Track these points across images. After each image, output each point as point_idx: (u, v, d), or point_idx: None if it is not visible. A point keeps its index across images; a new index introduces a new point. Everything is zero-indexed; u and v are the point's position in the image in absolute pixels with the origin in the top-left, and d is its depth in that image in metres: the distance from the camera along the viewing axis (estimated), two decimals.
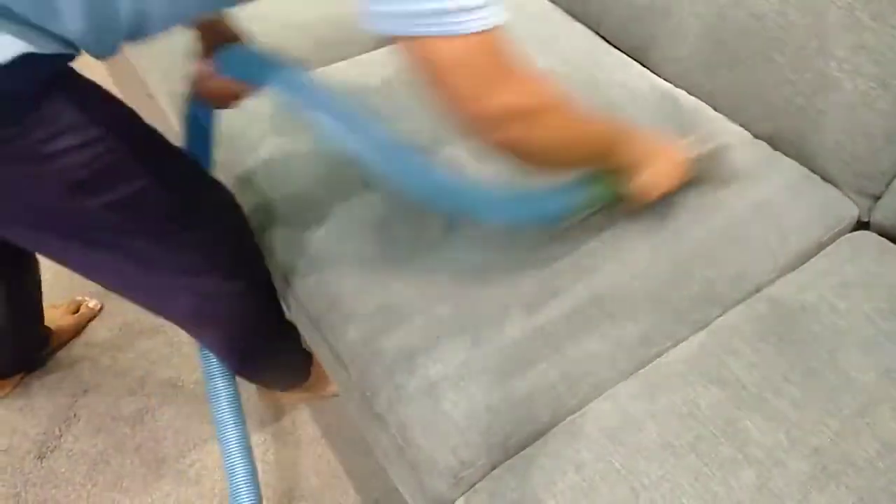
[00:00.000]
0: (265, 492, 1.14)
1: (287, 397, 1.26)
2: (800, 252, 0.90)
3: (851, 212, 0.95)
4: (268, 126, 1.05)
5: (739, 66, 1.00)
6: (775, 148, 1.01)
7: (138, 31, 0.61)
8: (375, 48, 1.22)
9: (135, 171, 0.69)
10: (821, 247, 0.92)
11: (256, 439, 1.21)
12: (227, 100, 0.83)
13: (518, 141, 0.63)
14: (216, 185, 0.87)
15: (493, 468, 0.75)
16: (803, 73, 0.92)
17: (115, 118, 0.69)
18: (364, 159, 0.70)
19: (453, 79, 0.57)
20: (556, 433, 0.75)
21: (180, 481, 1.17)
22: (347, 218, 0.92)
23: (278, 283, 0.97)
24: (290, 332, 1.06)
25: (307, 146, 1.02)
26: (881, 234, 0.94)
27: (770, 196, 0.93)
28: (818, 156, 0.96)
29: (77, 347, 1.35)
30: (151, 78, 1.31)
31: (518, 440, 0.75)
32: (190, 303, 0.84)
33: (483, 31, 0.56)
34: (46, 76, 0.60)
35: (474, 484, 0.74)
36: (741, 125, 1.05)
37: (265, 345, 1.01)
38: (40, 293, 1.20)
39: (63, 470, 1.19)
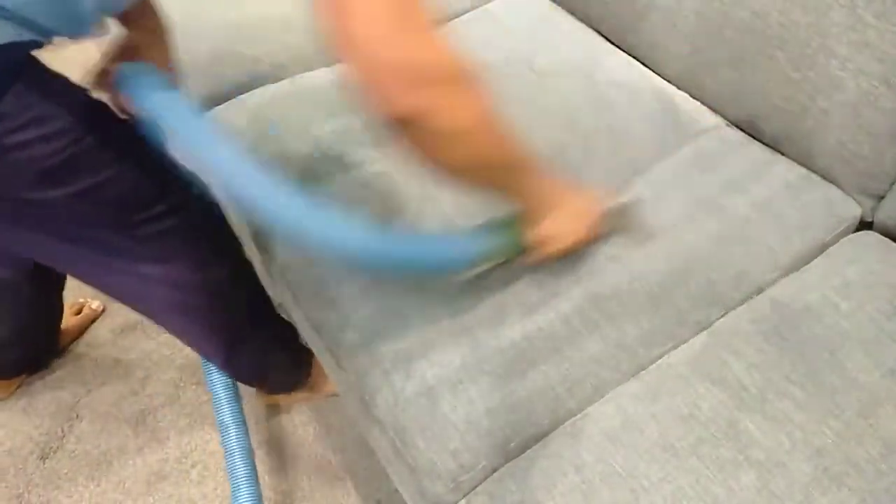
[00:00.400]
0: (267, 492, 1.14)
1: (285, 399, 1.25)
2: (802, 252, 0.90)
3: (854, 212, 0.95)
4: (267, 126, 1.05)
5: (741, 64, 0.99)
6: (777, 147, 1.00)
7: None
8: None
9: (100, 162, 0.68)
10: (823, 247, 0.91)
11: (258, 439, 1.21)
12: (120, 107, 0.78)
13: (424, 110, 0.55)
14: (185, 176, 0.83)
15: (493, 471, 0.74)
16: (806, 72, 0.92)
17: (80, 109, 0.67)
18: (247, 201, 0.66)
19: (359, 22, 0.51)
20: (556, 435, 0.75)
21: (182, 482, 1.17)
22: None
23: (277, 286, 0.97)
24: (280, 330, 1.05)
25: (308, 146, 1.01)
26: (884, 234, 0.93)
27: (772, 196, 0.93)
28: (821, 155, 0.95)
29: (79, 348, 1.36)
30: None
31: (518, 443, 0.75)
32: (163, 294, 0.83)
33: None
34: (6, 66, 0.59)
35: (474, 487, 0.74)
36: (742, 124, 1.04)
37: (249, 340, 1.00)
38: (62, 297, 1.20)
39: (65, 470, 1.19)
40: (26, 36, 0.58)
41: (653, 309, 0.83)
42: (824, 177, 0.96)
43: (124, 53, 0.77)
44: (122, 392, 1.29)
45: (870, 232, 0.94)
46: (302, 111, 1.08)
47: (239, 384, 1.06)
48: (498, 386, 0.76)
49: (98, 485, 1.17)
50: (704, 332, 0.83)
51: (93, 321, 1.39)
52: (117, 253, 0.75)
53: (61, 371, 1.32)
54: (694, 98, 1.10)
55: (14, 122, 0.60)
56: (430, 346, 0.78)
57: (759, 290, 0.86)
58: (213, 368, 1.00)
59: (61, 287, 1.18)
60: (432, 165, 0.63)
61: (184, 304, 0.86)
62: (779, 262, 0.88)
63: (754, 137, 1.03)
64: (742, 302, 0.85)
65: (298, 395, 1.23)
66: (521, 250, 0.78)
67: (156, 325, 0.95)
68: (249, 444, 1.01)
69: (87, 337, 1.37)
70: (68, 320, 1.35)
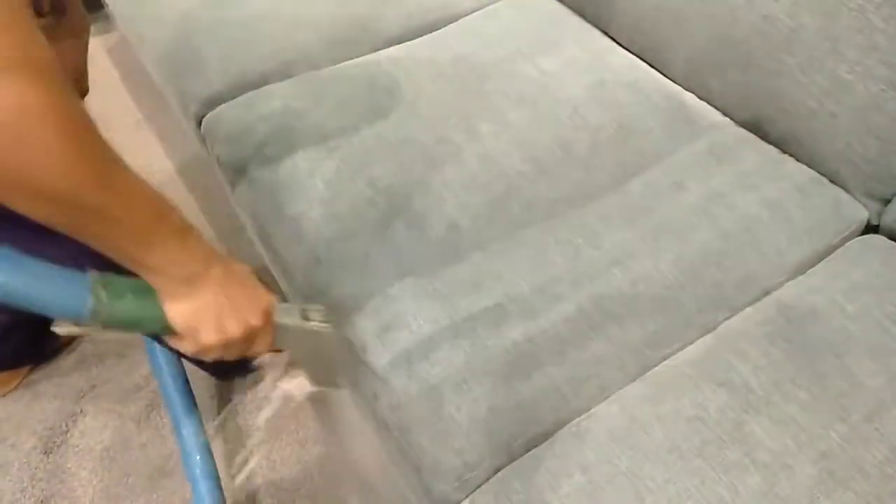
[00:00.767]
0: (269, 491, 1.14)
1: None
2: (809, 255, 0.90)
3: (861, 215, 0.95)
4: (270, 127, 1.05)
5: (750, 67, 0.99)
6: (784, 150, 1.01)
7: None
8: (385, 47, 1.22)
9: None
10: (830, 250, 0.91)
11: (260, 438, 1.21)
12: None
13: None
14: None
15: (498, 470, 0.74)
16: (814, 76, 0.92)
17: None
18: None
19: None
20: (561, 435, 0.75)
21: (185, 479, 1.17)
22: (349, 220, 0.91)
23: (283, 285, 0.98)
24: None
25: (312, 146, 1.01)
26: (890, 238, 0.93)
27: (779, 199, 0.93)
28: (828, 159, 0.95)
29: (84, 344, 1.36)
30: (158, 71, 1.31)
31: (523, 442, 0.75)
32: None
33: None
34: None
35: (479, 485, 0.74)
36: (750, 127, 1.04)
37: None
38: None
39: (69, 465, 1.20)
40: None
41: (659, 310, 0.83)
42: (832, 180, 0.96)
43: None
44: (126, 387, 1.29)
45: (876, 235, 0.94)
46: (309, 108, 1.08)
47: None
48: (502, 386, 0.76)
49: (101, 480, 1.18)
50: (711, 334, 0.83)
51: None
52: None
53: (66, 366, 1.32)
54: (701, 99, 1.10)
55: None
56: (431, 347, 0.78)
57: (766, 293, 0.86)
58: (159, 363, 0.90)
59: None
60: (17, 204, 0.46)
61: None
62: (785, 265, 0.88)
63: (762, 139, 1.03)
64: (748, 304, 0.85)
65: None
66: (164, 330, 0.60)
67: None
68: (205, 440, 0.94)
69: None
70: None
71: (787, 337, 0.80)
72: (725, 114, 1.07)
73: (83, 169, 0.47)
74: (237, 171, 1.03)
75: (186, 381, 0.93)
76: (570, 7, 1.29)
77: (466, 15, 1.29)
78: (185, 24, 1.26)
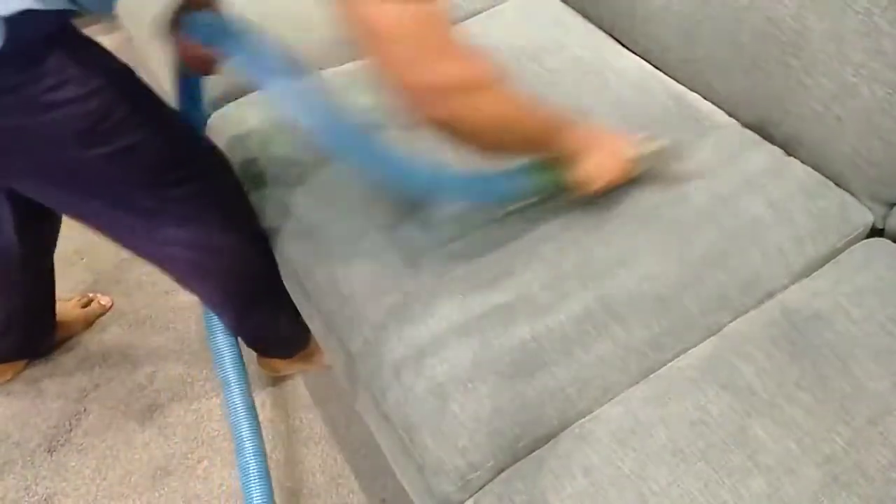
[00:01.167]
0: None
1: (285, 367, 1.27)
2: (813, 258, 0.90)
3: (866, 218, 0.94)
4: (277, 125, 1.05)
5: (755, 70, 0.99)
6: (789, 153, 1.00)
7: None
8: None
9: (132, 125, 0.72)
10: (834, 253, 0.91)
11: (264, 436, 1.21)
12: (207, 66, 0.86)
13: (456, 117, 0.62)
14: (208, 144, 0.91)
15: (501, 470, 0.74)
16: (819, 79, 0.91)
17: (115, 73, 0.72)
18: (316, 133, 0.71)
19: (388, 45, 0.56)
20: (564, 436, 0.75)
21: (188, 478, 1.18)
22: (359, 218, 0.92)
23: (289, 283, 0.98)
24: (288, 298, 1.07)
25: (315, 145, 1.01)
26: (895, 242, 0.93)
27: (783, 201, 0.93)
28: (833, 161, 0.95)
29: (88, 343, 1.36)
30: (148, 49, 1.31)
31: (526, 443, 0.75)
32: (181, 255, 0.88)
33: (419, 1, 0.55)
34: (48, 31, 0.63)
35: (482, 486, 0.74)
36: (755, 129, 1.04)
37: (261, 305, 1.05)
38: (53, 282, 1.21)
39: (73, 463, 1.20)
40: (67, 6, 0.61)
41: (663, 312, 0.83)
42: (837, 183, 0.96)
43: (191, 3, 0.82)
44: (129, 387, 1.30)
45: (881, 239, 0.94)
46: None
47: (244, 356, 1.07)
48: (507, 385, 0.76)
49: (104, 478, 1.18)
50: (715, 337, 0.83)
51: (99, 316, 1.40)
52: (141, 211, 0.80)
53: (69, 365, 1.33)
54: (706, 100, 1.09)
55: (54, 81, 0.63)
56: (440, 344, 0.79)
57: (770, 296, 0.86)
58: (217, 331, 1.02)
59: (50, 266, 1.19)
60: (471, 150, 0.69)
61: (200, 265, 0.91)
62: (790, 268, 0.88)
63: (767, 142, 1.03)
64: (753, 307, 0.85)
65: (296, 364, 1.26)
66: (562, 189, 0.84)
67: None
68: (252, 402, 1.02)
69: (95, 332, 1.38)
70: (74, 312, 1.36)
71: (791, 340, 0.80)
72: (731, 115, 1.07)
73: (539, 115, 0.72)
74: (242, 171, 1.03)
75: (240, 352, 1.04)
76: (574, 8, 1.29)
77: (472, 16, 1.29)
78: None
